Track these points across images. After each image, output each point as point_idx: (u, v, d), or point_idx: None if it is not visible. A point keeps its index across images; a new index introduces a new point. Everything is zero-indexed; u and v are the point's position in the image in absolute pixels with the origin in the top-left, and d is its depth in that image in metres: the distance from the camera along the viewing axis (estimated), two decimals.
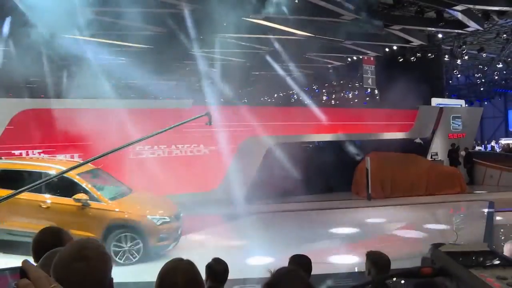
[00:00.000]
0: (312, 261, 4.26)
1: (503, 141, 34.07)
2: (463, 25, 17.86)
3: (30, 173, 9.01)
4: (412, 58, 22.09)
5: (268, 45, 20.08)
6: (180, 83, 21.73)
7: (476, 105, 34.37)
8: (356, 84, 28.11)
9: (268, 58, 21.53)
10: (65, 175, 8.52)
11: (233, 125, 16.02)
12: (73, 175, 8.90)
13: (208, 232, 11.36)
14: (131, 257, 8.60)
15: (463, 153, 20.09)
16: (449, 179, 17.20)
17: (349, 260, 8.48)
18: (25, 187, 6.53)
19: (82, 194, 8.75)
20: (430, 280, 0.93)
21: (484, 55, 23.91)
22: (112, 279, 1.60)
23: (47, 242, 2.55)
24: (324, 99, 30.85)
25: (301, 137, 17.93)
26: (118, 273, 1.99)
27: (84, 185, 8.92)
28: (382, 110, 20.26)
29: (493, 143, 33.91)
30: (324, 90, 30.77)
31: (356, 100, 29.17)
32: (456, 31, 19.50)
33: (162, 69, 18.18)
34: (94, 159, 7.05)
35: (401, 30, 18.85)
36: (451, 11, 16.57)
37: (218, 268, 3.95)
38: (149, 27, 15.76)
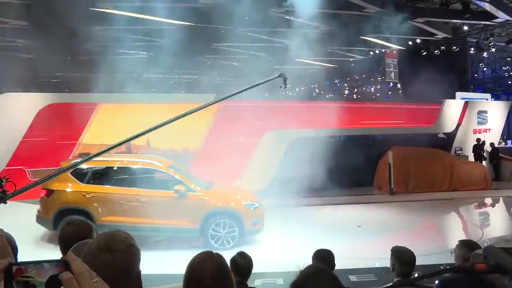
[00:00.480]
0: (335, 255, 4.21)
1: None
2: (491, 16, 17.41)
3: (130, 169, 9.61)
4: (436, 51, 21.73)
5: (290, 39, 19.97)
6: (202, 77, 21.77)
7: (503, 99, 33.56)
8: (379, 78, 27.86)
9: (290, 51, 21.43)
10: (160, 169, 9.49)
11: (255, 119, 16.00)
12: (168, 169, 9.57)
13: None
14: (225, 243, 9.13)
15: (488, 148, 19.66)
16: (474, 175, 16.87)
17: (372, 255, 8.35)
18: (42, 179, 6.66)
19: (180, 186, 9.22)
20: (484, 277, 0.86)
21: None
22: (140, 271, 1.59)
23: (74, 233, 2.61)
24: (346, 93, 30.62)
25: (322, 131, 17.77)
26: None
27: (178, 177, 9.43)
28: (405, 104, 19.99)
29: None
30: (346, 84, 30.54)
31: (378, 94, 28.91)
32: (483, 22, 19.03)
33: (184, 63, 18.22)
34: (100, 153, 7.13)
35: (425, 23, 18.52)
36: (478, 2, 16.15)
37: (241, 263, 3.94)
38: (171, 21, 15.78)
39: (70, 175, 9.17)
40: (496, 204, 14.57)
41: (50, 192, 9.14)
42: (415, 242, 9.12)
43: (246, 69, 22.05)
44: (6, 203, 1.77)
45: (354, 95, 30.45)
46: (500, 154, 19.64)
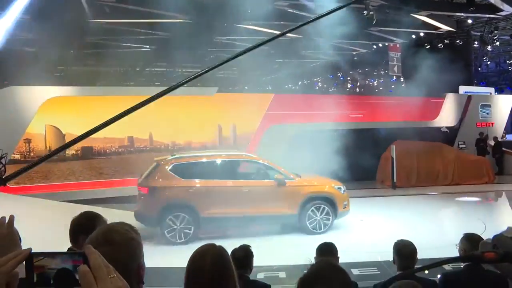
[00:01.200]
0: (338, 249, 4.21)
1: None
2: (495, 9, 17.26)
3: (228, 162, 10.14)
4: (440, 44, 21.60)
5: (292, 32, 19.88)
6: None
7: (507, 92, 33.39)
8: (382, 72, 27.73)
9: (293, 45, 21.34)
10: (257, 160, 10.11)
11: (256, 112, 16.01)
12: (264, 160, 10.17)
13: None
14: (322, 226, 9.77)
15: (492, 142, 19.59)
16: (477, 169, 16.86)
17: (375, 248, 8.33)
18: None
19: (279, 174, 9.81)
20: (494, 265, 0.84)
21: None
22: (142, 265, 1.57)
23: (84, 225, 2.67)
24: (349, 86, 30.52)
25: (325, 125, 17.74)
26: None
27: (275, 167, 10.04)
28: (408, 98, 19.91)
29: None
30: (349, 78, 30.41)
31: (381, 88, 28.80)
32: (487, 15, 18.88)
33: (186, 56, 18.15)
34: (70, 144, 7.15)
35: (428, 16, 18.40)
36: None
37: (238, 254, 3.93)
38: (174, 14, 15.72)
39: (171, 172, 9.49)
40: (499, 198, 14.56)
41: (152, 190, 9.37)
42: (418, 235, 9.11)
43: (249, 62, 22.01)
44: (6, 185, 1.75)
45: (357, 89, 30.35)
46: (503, 148, 19.57)
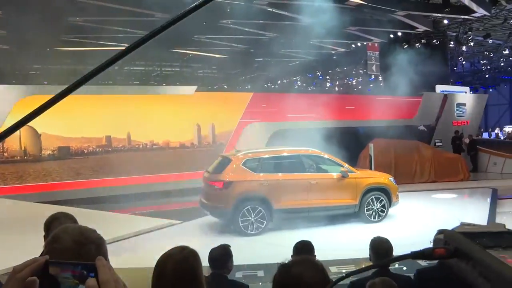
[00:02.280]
0: (316, 247, 4.26)
1: (508, 128, 33.87)
2: (469, 11, 17.60)
3: (294, 156, 10.62)
4: (417, 44, 21.88)
5: (272, 31, 19.91)
6: (183, 70, 21.63)
7: (481, 92, 34.09)
8: (360, 71, 27.93)
9: (272, 44, 21.37)
10: (322, 155, 10.78)
11: (235, 111, 16.02)
12: (329, 155, 10.89)
13: None
14: (377, 216, 10.60)
15: (467, 140, 19.97)
16: (453, 166, 17.17)
17: (353, 246, 8.42)
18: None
19: (343, 168, 10.59)
20: (445, 262, 0.88)
21: (490, 41, 23.62)
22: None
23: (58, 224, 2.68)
24: (328, 85, 30.68)
25: (304, 123, 17.84)
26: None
27: (339, 162, 10.83)
28: (386, 97, 20.14)
29: (497, 131, 33.72)
30: (328, 77, 30.56)
31: (360, 87, 29.04)
32: (462, 16, 19.23)
33: (165, 55, 18.06)
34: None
35: (406, 16, 18.63)
36: None
37: (216, 254, 3.93)
38: (152, 13, 15.61)
39: (244, 167, 9.93)
40: (474, 195, 14.82)
41: (227, 184, 9.70)
42: (396, 232, 9.25)
43: (228, 61, 22.00)
44: None
45: (336, 88, 30.53)
46: (478, 146, 19.98)
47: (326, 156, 10.90)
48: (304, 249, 4.21)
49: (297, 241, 4.37)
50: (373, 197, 10.62)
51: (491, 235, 0.88)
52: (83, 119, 14.13)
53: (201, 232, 10.17)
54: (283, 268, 1.64)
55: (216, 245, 4.14)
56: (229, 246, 4.08)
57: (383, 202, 10.70)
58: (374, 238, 4.04)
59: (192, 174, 15.31)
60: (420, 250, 0.90)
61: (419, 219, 10.93)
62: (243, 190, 9.78)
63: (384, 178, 11.18)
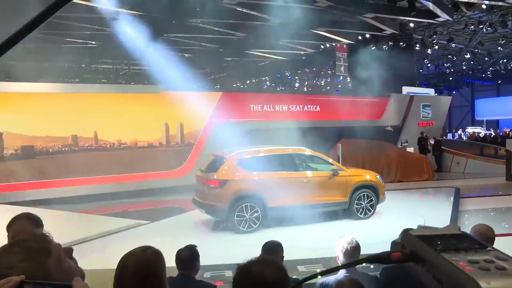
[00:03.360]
0: (284, 247, 4.28)
1: (470, 129, 34.92)
2: (433, 15, 18.06)
3: (287, 155, 10.87)
4: (384, 46, 22.26)
5: (241, 31, 19.93)
6: (151, 68, 21.37)
7: (445, 94, 35.00)
8: (329, 72, 28.23)
9: (241, 44, 21.38)
10: (314, 154, 11.10)
11: (203, 111, 15.97)
12: (320, 154, 11.28)
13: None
14: (367, 212, 10.97)
15: (432, 141, 20.43)
16: (418, 166, 17.54)
17: (321, 245, 8.51)
18: None
19: (334, 166, 10.96)
20: (400, 265, 0.90)
21: (453, 45, 24.29)
22: None
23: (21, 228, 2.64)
24: (296, 85, 30.89)
25: (272, 123, 17.91)
26: None
27: (329, 160, 11.31)
28: (354, 98, 20.40)
29: (460, 132, 34.58)
30: (296, 77, 30.77)
31: (328, 88, 29.32)
32: (427, 20, 19.71)
33: (131, 53, 17.84)
34: None
35: (374, 19, 18.94)
36: (422, 1, 16.72)
37: (183, 255, 3.91)
38: (122, 10, 15.41)
39: (238, 166, 10.07)
40: (437, 194, 15.20)
41: (223, 183, 9.77)
42: (362, 232, 9.39)
43: (197, 60, 21.89)
44: None
45: (305, 88, 30.76)
46: (442, 147, 20.49)
47: (317, 154, 11.23)
48: (273, 249, 4.23)
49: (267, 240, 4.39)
50: (362, 194, 10.98)
51: (445, 238, 0.91)
52: (48, 117, 13.80)
53: (169, 232, 10.07)
54: (243, 268, 1.63)
55: (184, 245, 4.11)
56: (196, 246, 4.04)
57: (371, 199, 11.06)
58: (342, 237, 4.08)
59: (160, 173, 15.21)
60: (377, 254, 0.92)
61: (384, 219, 11.12)
62: (239, 188, 9.92)
63: (372, 176, 11.55)
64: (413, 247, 0.89)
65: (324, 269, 6.38)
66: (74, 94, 14.43)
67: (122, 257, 2.00)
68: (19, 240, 1.15)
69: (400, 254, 0.89)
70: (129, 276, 1.91)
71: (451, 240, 0.89)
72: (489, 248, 0.85)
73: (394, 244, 1.00)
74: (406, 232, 0.95)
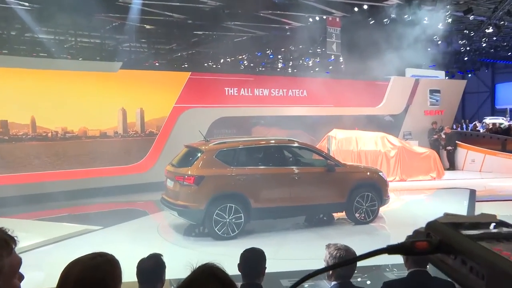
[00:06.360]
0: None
1: (488, 120, 34.24)
2: None
3: (274, 148, 10.99)
4: (386, 20, 22.33)
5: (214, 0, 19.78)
6: (105, 41, 21.12)
7: (458, 77, 35.13)
8: (318, 50, 28.22)
9: (214, 15, 21.22)
10: (306, 146, 11.27)
11: (169, 94, 15.89)
12: (311, 146, 11.64)
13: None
14: (366, 216, 10.94)
15: (446, 131, 20.41)
16: (424, 163, 17.63)
17: (308, 255, 8.55)
18: None
19: (329, 161, 10.90)
20: (404, 281, 0.88)
21: (471, 17, 24.19)
22: None
23: None
24: (280, 66, 30.89)
25: (251, 110, 17.93)
26: None
27: (323, 152, 11.56)
28: (347, 81, 20.50)
29: (476, 122, 34.43)
30: (280, 56, 30.72)
31: (317, 69, 29.37)
32: None
33: (82, 22, 17.54)
34: None
35: None
36: None
37: (146, 266, 3.88)
38: None
39: (218, 159, 10.06)
40: (448, 196, 15.26)
41: (199, 179, 9.73)
42: (357, 238, 9.46)
43: (161, 33, 21.70)
44: None
45: (289, 69, 30.77)
46: (456, 141, 20.41)
47: (309, 147, 11.38)
48: (254, 258, 4.19)
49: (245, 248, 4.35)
50: (362, 194, 10.97)
51: (481, 225, 0.89)
52: None
53: (126, 240, 10.02)
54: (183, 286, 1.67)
55: (145, 255, 4.09)
56: (161, 255, 4.03)
57: (373, 200, 11.04)
58: (333, 246, 4.08)
59: (116, 169, 15.08)
60: (398, 243, 0.90)
61: (383, 225, 11.23)
62: (218, 186, 9.96)
63: (374, 173, 11.70)
64: (443, 235, 0.87)
65: (312, 283, 6.37)
66: (3, 69, 14.05)
67: (67, 265, 1.95)
68: None
69: (427, 243, 0.88)
70: (69, 285, 1.87)
71: (489, 228, 0.87)
72: None
73: (416, 233, 0.99)
74: (431, 222, 0.93)
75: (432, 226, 0.91)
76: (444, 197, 15.36)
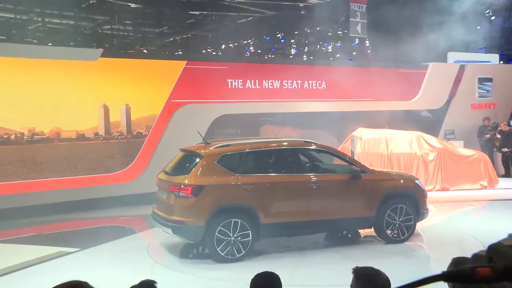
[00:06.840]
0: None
1: None
2: None
3: (287, 151, 11.13)
4: None
5: None
6: (81, 23, 21.16)
7: None
8: (339, 33, 28.23)
9: None
10: (328, 150, 11.28)
11: (160, 87, 15.94)
12: (331, 148, 11.67)
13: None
14: (400, 233, 10.89)
15: (501, 129, 20.11)
16: (472, 168, 17.50)
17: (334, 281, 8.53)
18: None
19: (354, 166, 10.86)
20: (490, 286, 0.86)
21: None
22: None
23: None
24: (293, 52, 30.92)
25: (260, 105, 17.94)
26: None
27: (348, 158, 11.41)
28: (374, 70, 20.47)
29: None
30: (293, 40, 30.79)
31: (338, 55, 29.36)
32: None
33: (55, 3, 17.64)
34: None
35: None
36: None
37: None
38: None
39: (220, 166, 10.08)
40: (500, 209, 15.19)
41: (198, 189, 9.70)
42: (389, 261, 9.43)
43: (150, 13, 21.77)
44: None
45: (305, 56, 30.80)
46: None
47: (329, 149, 11.38)
48: (267, 284, 4.18)
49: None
50: (395, 206, 10.89)
51: None
52: None
53: (109, 264, 10.05)
54: None
55: (132, 282, 4.11)
56: (155, 282, 4.07)
57: (409, 213, 10.95)
58: (362, 269, 4.04)
59: (96, 178, 15.12)
60: (456, 269, 0.87)
61: (421, 244, 11.20)
62: (220, 197, 9.97)
63: (409, 181, 11.68)
64: (509, 260, 0.85)
65: None
66: None
67: None
68: None
69: (490, 270, 0.85)
70: None
71: None
72: None
73: (476, 257, 0.96)
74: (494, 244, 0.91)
75: (496, 249, 0.88)
76: (498, 211, 15.21)
